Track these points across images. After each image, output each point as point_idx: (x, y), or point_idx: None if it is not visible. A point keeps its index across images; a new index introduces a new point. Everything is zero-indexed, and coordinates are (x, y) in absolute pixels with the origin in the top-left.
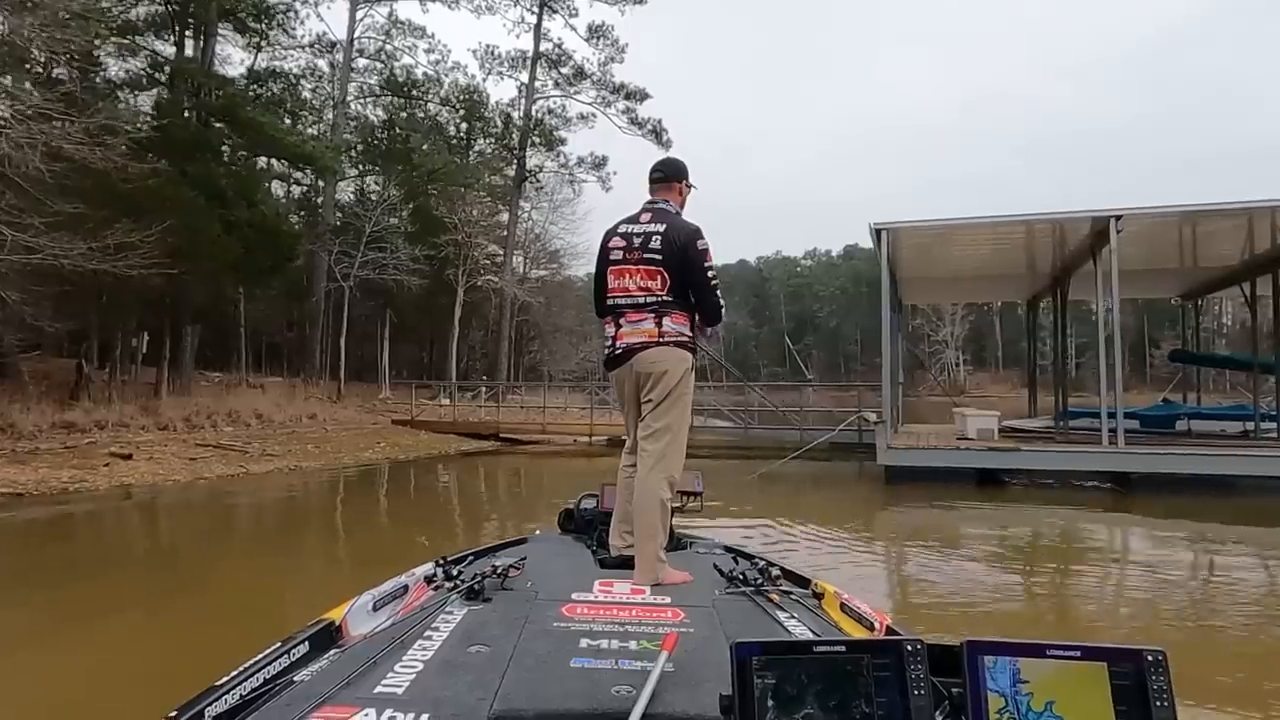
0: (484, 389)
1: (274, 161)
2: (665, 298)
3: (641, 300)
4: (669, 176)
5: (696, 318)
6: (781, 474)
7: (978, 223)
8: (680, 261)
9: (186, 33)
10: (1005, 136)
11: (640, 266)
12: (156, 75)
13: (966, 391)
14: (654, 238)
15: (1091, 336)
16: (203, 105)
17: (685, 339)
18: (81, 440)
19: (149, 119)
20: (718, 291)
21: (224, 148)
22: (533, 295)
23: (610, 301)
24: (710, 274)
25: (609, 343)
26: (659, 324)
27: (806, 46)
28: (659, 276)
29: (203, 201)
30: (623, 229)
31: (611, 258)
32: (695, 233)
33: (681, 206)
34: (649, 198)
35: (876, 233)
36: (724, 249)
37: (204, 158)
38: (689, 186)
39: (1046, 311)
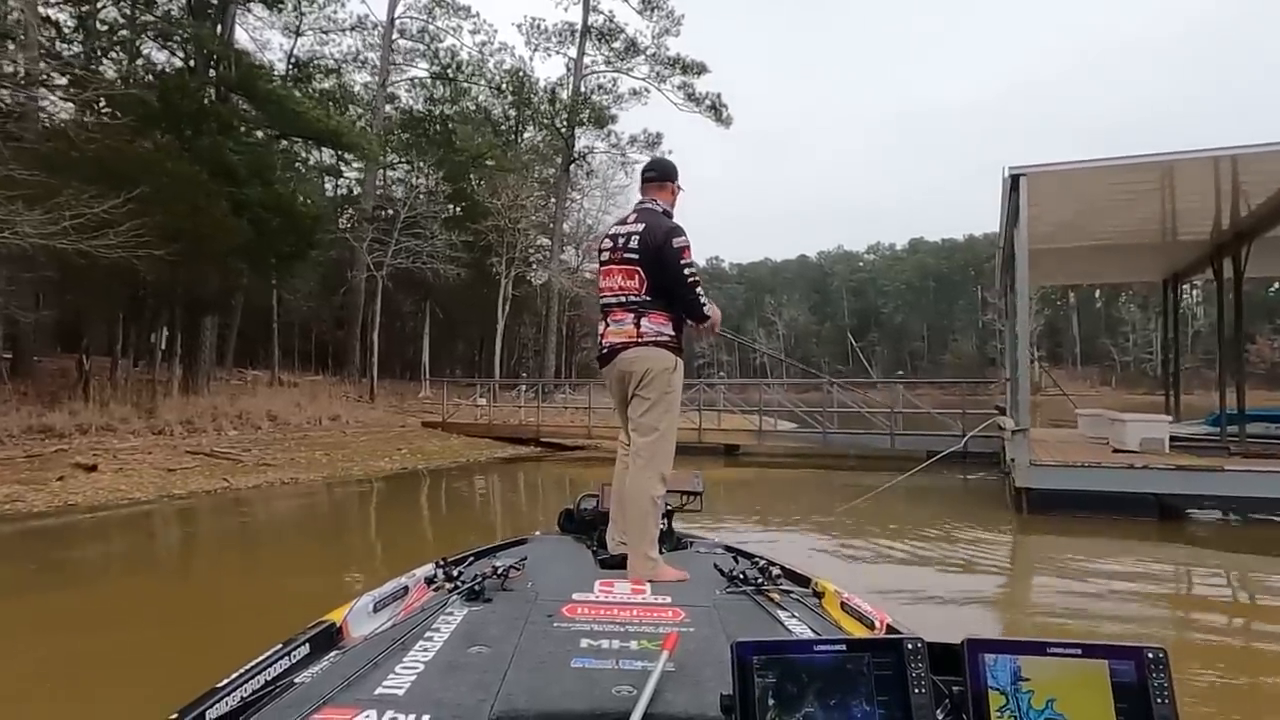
0: (524, 387)
1: (324, 155)
2: (644, 298)
3: (624, 300)
4: (661, 176)
5: (685, 317)
6: (861, 490)
7: (1148, 162)
8: (656, 260)
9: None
10: (1058, 125)
11: (621, 266)
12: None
13: (1043, 390)
14: (633, 238)
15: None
16: (222, 80)
17: (666, 339)
18: (53, 447)
19: (152, 84)
20: (697, 289)
21: (240, 124)
22: (585, 289)
23: (601, 301)
24: (687, 271)
25: (599, 341)
26: (637, 324)
27: (853, 38)
28: (636, 276)
29: (206, 177)
30: (613, 230)
31: (601, 259)
32: (672, 230)
33: (672, 205)
34: (639, 198)
35: (1013, 179)
36: (782, 244)
37: (210, 130)
38: (679, 188)
39: (1128, 304)
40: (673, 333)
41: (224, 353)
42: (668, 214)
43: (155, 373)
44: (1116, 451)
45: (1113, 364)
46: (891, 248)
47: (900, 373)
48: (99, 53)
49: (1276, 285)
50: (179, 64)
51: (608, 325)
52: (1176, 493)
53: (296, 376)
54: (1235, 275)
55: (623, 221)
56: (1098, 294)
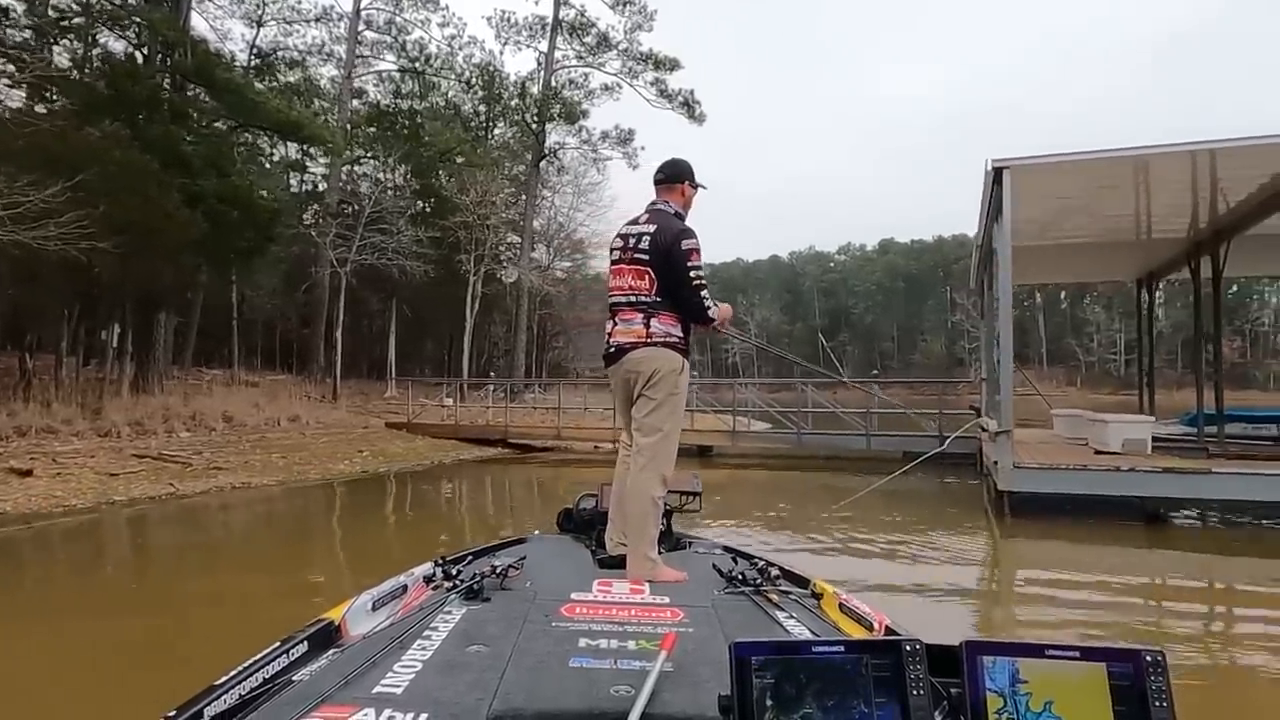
0: (493, 387)
1: (289, 150)
2: (654, 298)
3: (633, 300)
4: (670, 178)
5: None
6: (846, 494)
7: (1126, 156)
8: (665, 261)
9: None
10: (1023, 133)
11: (632, 267)
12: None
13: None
14: (644, 238)
15: (1135, 332)
16: (177, 68)
17: (674, 340)
18: None
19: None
20: (701, 292)
21: (196, 113)
22: (556, 287)
23: (610, 300)
24: (692, 272)
25: (606, 340)
26: (647, 324)
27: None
28: (646, 276)
29: (158, 167)
30: (624, 230)
31: (612, 258)
32: (682, 232)
33: (685, 207)
34: (652, 199)
35: (996, 173)
36: (754, 245)
37: (163, 118)
38: (693, 187)
39: (1093, 304)
40: (681, 334)
41: (183, 351)
42: (680, 215)
43: (106, 371)
44: (1099, 453)
45: (1078, 364)
46: (862, 248)
47: (875, 372)
48: (51, 39)
49: (1235, 287)
50: (133, 51)
51: (616, 324)
52: (1164, 495)
53: (259, 376)
54: (1214, 274)
55: (634, 221)
56: (1063, 295)
